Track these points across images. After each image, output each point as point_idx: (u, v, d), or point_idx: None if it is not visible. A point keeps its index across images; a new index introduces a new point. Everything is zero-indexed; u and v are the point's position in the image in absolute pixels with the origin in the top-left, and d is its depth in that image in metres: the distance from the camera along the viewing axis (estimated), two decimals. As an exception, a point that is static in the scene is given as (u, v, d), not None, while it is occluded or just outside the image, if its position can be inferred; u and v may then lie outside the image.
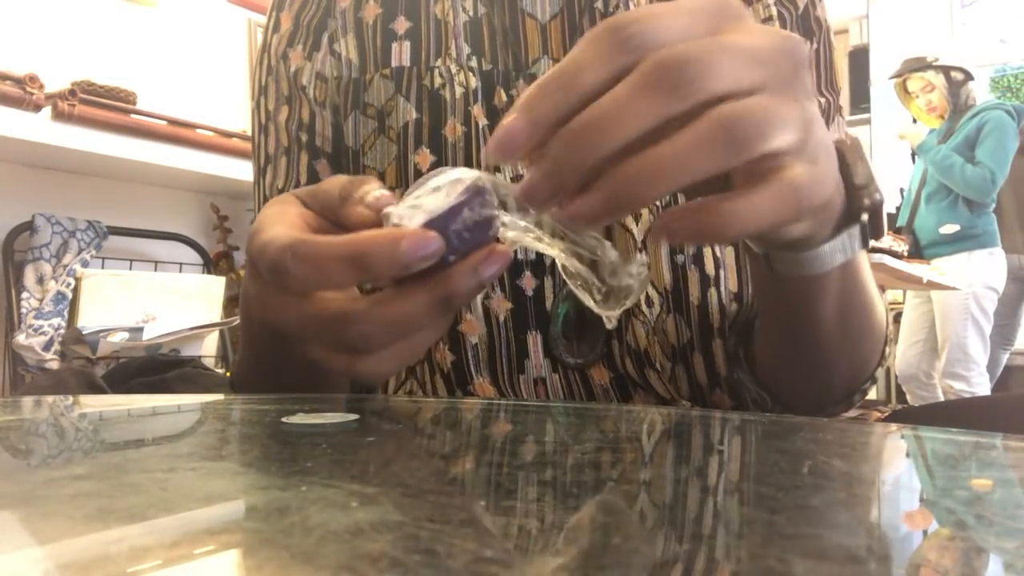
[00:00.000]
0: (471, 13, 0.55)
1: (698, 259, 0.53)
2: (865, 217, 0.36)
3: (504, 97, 0.53)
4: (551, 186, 0.27)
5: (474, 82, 0.53)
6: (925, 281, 2.67)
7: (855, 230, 0.37)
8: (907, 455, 0.32)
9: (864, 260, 0.44)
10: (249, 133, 0.66)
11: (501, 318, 0.52)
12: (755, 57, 0.26)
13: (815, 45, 0.57)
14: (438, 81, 0.54)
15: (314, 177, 0.57)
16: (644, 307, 0.51)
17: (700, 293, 0.52)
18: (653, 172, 0.26)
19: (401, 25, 0.56)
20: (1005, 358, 3.34)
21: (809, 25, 0.56)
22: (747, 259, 0.52)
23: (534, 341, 0.52)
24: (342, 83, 0.56)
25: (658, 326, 0.52)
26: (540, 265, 0.52)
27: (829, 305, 0.42)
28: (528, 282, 0.52)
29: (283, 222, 0.33)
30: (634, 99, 0.25)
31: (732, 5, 0.28)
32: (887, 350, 0.51)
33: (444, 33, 0.55)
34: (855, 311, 0.44)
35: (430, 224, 0.29)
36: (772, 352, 0.51)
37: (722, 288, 0.53)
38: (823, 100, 0.56)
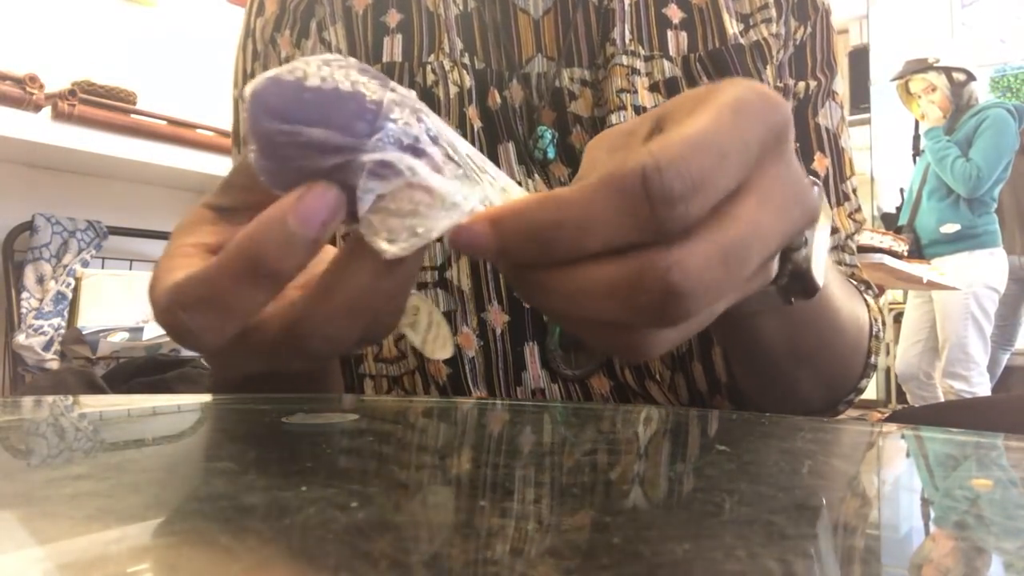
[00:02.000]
0: (462, 7, 0.54)
1: None
2: (784, 280, 0.33)
3: (498, 99, 0.53)
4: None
5: (468, 81, 0.52)
6: (925, 281, 2.67)
7: (771, 289, 0.34)
8: (907, 455, 0.32)
9: (831, 289, 0.42)
10: (230, 126, 0.63)
11: (498, 331, 0.51)
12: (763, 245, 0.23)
13: (810, 29, 0.56)
14: (431, 78, 0.53)
15: None
16: None
17: None
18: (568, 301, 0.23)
19: (392, 18, 0.55)
20: (1006, 358, 3.34)
21: (805, 10, 0.56)
22: None
23: (531, 353, 0.51)
24: None
25: None
26: None
27: (769, 338, 0.41)
28: None
29: (172, 266, 0.27)
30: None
31: (779, 129, 0.24)
32: (873, 360, 0.51)
33: (437, 26, 0.54)
34: (810, 339, 0.44)
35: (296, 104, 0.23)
36: (739, 375, 0.50)
37: None
38: (813, 83, 0.56)
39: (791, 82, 0.55)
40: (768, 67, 0.54)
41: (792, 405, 0.49)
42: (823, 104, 0.56)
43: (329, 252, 0.30)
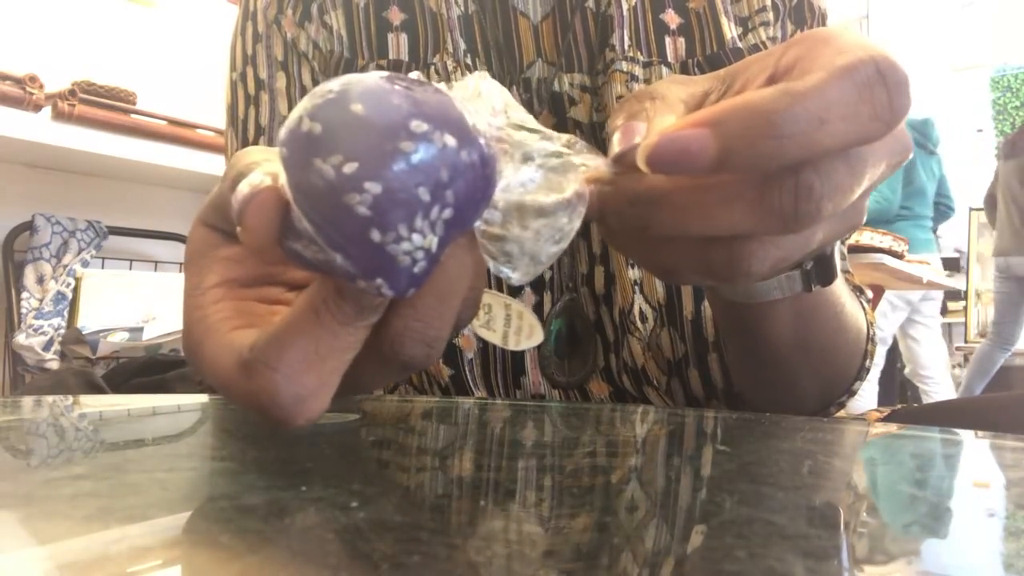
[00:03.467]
0: (463, 8, 0.54)
1: None
2: (810, 264, 0.34)
3: None
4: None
5: None
6: (925, 281, 2.67)
7: (795, 274, 0.35)
8: (907, 455, 0.32)
9: (838, 284, 0.43)
10: (225, 110, 0.62)
11: None
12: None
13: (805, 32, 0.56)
14: (435, 79, 0.53)
15: None
16: (639, 322, 0.51)
17: (694, 307, 0.52)
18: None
19: (395, 15, 0.54)
20: (1003, 359, 3.35)
21: (803, 13, 0.56)
22: None
23: (531, 357, 0.51)
24: (333, 58, 0.55)
25: (652, 341, 0.51)
26: (539, 281, 0.51)
27: (779, 329, 0.41)
28: (528, 298, 0.51)
29: (206, 318, 0.26)
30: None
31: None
32: (868, 362, 0.51)
33: (440, 26, 0.54)
34: (816, 333, 0.44)
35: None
36: (735, 365, 0.50)
37: None
38: None
39: None
40: None
41: (788, 404, 0.49)
42: None
43: None
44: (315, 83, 0.56)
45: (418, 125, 0.18)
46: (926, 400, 3.17)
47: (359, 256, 0.18)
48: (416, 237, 0.18)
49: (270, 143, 0.56)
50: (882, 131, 0.21)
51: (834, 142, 0.21)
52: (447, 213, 0.19)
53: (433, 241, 0.19)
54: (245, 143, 0.58)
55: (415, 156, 0.18)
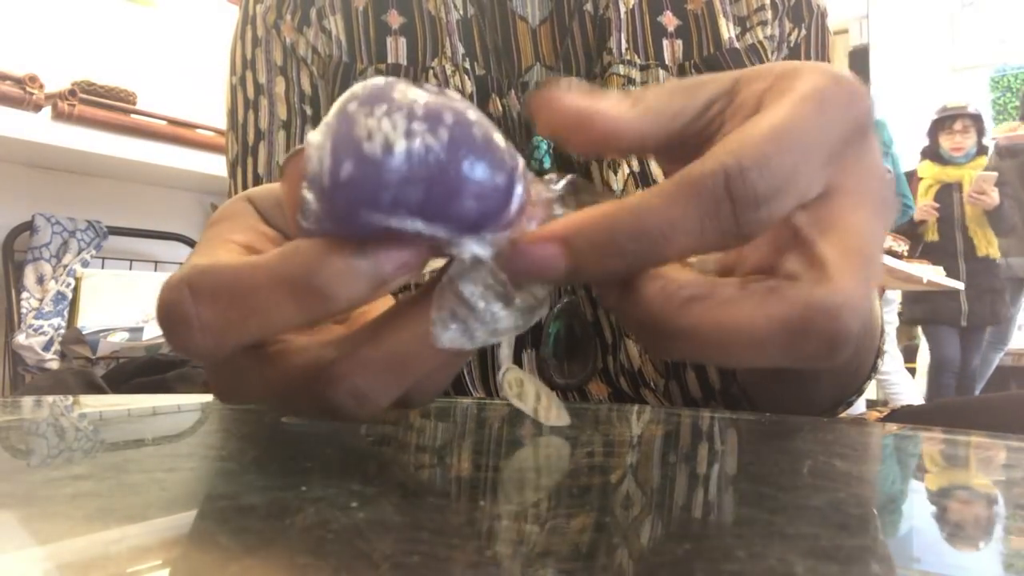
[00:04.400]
0: (462, 12, 0.54)
1: None
2: None
3: (499, 106, 0.52)
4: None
5: (469, 86, 0.52)
6: (926, 281, 2.67)
7: None
8: (907, 455, 0.32)
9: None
10: (225, 114, 0.62)
11: None
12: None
13: (804, 31, 0.56)
14: (433, 83, 0.53)
15: None
16: None
17: None
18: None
19: (394, 19, 0.54)
20: (997, 359, 3.37)
21: (800, 12, 0.56)
22: None
23: (529, 360, 0.51)
24: (332, 63, 0.55)
25: None
26: None
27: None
28: None
29: (201, 252, 0.25)
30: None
31: (862, 120, 0.22)
32: (878, 363, 0.51)
33: (439, 30, 0.54)
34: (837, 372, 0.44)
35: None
36: (750, 371, 0.50)
37: None
38: None
39: None
40: None
41: (801, 405, 0.49)
42: None
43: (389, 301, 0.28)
44: (314, 88, 0.56)
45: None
46: (894, 401, 3.23)
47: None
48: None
49: (269, 147, 0.57)
50: (732, 243, 0.20)
51: (679, 254, 0.20)
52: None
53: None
54: (245, 147, 0.58)
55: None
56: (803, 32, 0.56)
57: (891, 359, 3.31)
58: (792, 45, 0.56)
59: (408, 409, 0.25)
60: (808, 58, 0.56)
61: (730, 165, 0.20)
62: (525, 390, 0.29)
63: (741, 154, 0.20)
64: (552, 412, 0.29)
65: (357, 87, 0.20)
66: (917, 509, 0.22)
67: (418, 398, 0.24)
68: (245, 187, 0.57)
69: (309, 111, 0.56)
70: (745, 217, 0.20)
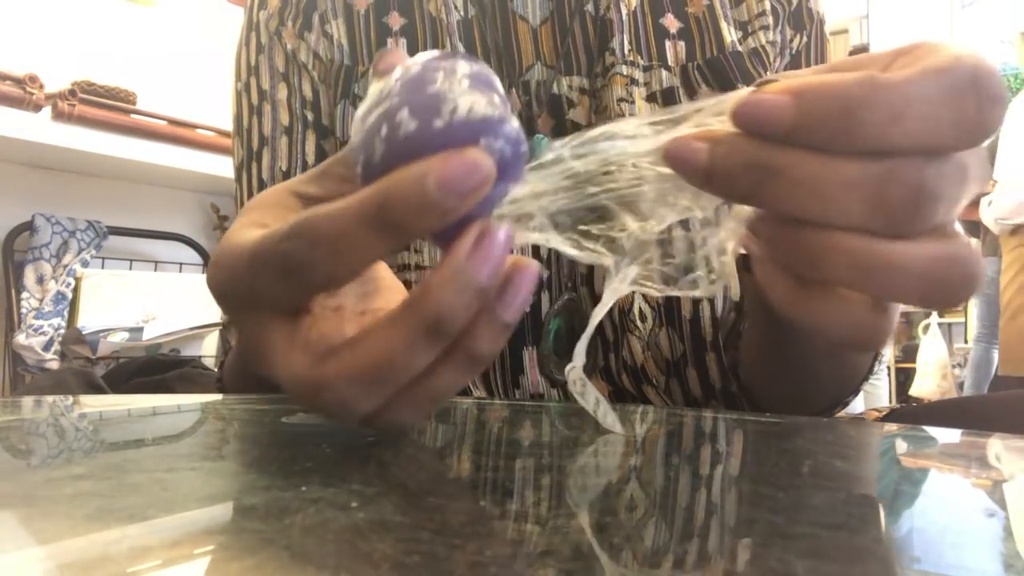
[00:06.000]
0: (463, 12, 0.55)
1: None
2: None
3: None
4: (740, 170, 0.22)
5: None
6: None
7: None
8: (907, 455, 0.32)
9: None
10: (231, 119, 0.63)
11: None
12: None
13: (805, 38, 0.57)
14: None
15: (324, 158, 0.53)
16: (639, 321, 0.51)
17: (692, 307, 0.52)
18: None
19: (395, 21, 0.55)
20: (997, 357, 3.36)
21: (801, 19, 0.57)
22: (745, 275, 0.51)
23: (530, 358, 0.51)
24: (334, 67, 0.55)
25: (651, 341, 0.51)
26: (537, 281, 0.51)
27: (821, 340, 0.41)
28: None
29: (249, 223, 0.27)
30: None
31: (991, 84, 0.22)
32: (876, 365, 0.51)
33: (439, 31, 0.54)
34: (842, 362, 0.44)
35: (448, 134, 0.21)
36: (759, 363, 0.50)
37: (716, 300, 0.53)
38: None
39: None
40: (767, 73, 0.54)
41: (801, 404, 0.50)
42: None
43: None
44: (315, 93, 0.56)
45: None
46: (867, 398, 3.29)
47: None
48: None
49: (272, 152, 0.57)
50: (962, 141, 0.21)
51: (907, 140, 0.21)
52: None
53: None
54: (250, 152, 0.59)
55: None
56: (804, 39, 0.57)
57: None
58: (793, 52, 0.56)
59: (403, 426, 0.26)
60: (808, 65, 0.57)
61: (978, 64, 0.21)
62: (587, 390, 0.29)
63: (982, 60, 0.21)
64: (608, 417, 0.30)
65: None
66: (917, 509, 0.22)
67: (408, 415, 0.25)
68: (251, 192, 0.58)
69: (311, 116, 0.56)
70: (986, 115, 0.20)
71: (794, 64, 0.56)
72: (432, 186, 0.21)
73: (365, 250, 0.22)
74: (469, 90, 0.22)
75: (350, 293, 0.27)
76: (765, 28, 0.55)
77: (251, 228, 0.26)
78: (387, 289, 0.29)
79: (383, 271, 0.30)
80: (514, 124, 0.23)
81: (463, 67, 0.23)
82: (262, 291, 0.24)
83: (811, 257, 0.23)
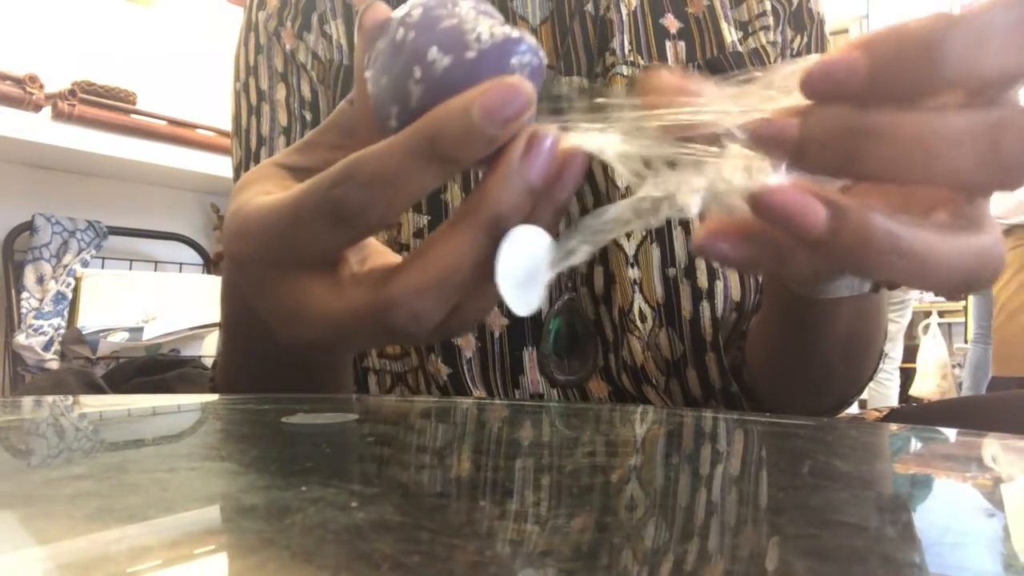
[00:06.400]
0: None
1: (690, 272, 0.52)
2: None
3: None
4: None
5: None
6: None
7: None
8: (907, 455, 0.32)
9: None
10: (231, 120, 0.63)
11: (496, 334, 0.51)
12: None
13: (806, 38, 0.57)
14: None
15: None
16: (638, 321, 0.51)
17: (692, 307, 0.52)
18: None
19: None
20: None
21: (801, 19, 0.57)
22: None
23: (530, 358, 0.51)
24: (333, 67, 0.55)
25: (651, 341, 0.51)
26: None
27: (835, 327, 0.41)
28: None
29: (254, 194, 0.27)
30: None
31: None
32: (880, 364, 0.51)
33: None
34: (863, 332, 0.44)
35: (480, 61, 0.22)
36: (769, 358, 0.50)
37: (716, 301, 0.52)
38: None
39: None
40: None
41: (807, 403, 0.50)
42: None
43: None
44: (313, 93, 0.56)
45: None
46: (877, 398, 3.33)
47: None
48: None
49: (271, 152, 0.57)
50: None
51: (994, 68, 0.20)
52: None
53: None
54: (248, 152, 0.59)
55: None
56: (804, 40, 0.57)
57: (889, 360, 3.41)
58: (794, 52, 0.56)
59: (471, 326, 0.26)
60: None
61: None
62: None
63: None
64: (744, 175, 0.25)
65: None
66: (917, 509, 0.22)
67: (475, 314, 0.25)
68: None
69: (309, 117, 0.56)
70: None
71: None
72: (477, 115, 0.21)
73: (419, 183, 0.23)
74: (481, 16, 0.23)
75: (351, 259, 0.27)
76: (766, 28, 0.55)
77: (263, 196, 0.26)
78: (380, 253, 0.29)
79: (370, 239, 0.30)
80: (529, 38, 0.23)
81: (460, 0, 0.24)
82: (307, 243, 0.24)
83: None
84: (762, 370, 0.51)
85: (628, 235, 0.51)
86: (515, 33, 0.23)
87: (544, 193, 0.23)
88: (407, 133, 0.22)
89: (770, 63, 0.55)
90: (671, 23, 0.54)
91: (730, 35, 0.54)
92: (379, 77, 0.24)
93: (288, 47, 0.57)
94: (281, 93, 0.57)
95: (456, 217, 0.23)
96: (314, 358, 0.42)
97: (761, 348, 0.51)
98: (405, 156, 0.22)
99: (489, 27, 0.23)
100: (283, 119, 0.57)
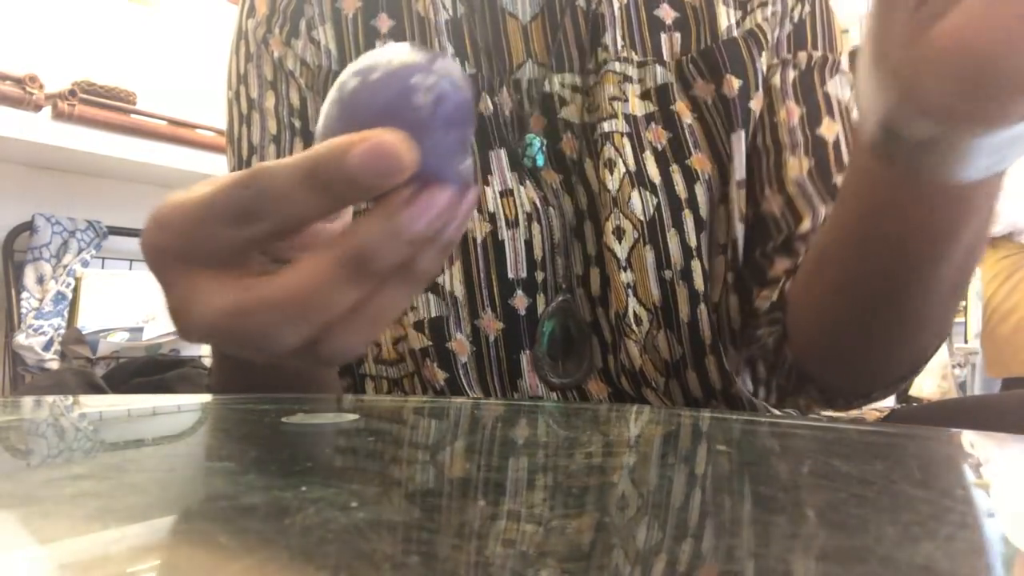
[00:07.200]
0: (452, 12, 0.54)
1: (686, 275, 0.51)
2: None
3: (490, 104, 0.52)
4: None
5: None
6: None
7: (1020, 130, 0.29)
8: (907, 455, 0.32)
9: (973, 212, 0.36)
10: (225, 127, 0.64)
11: (491, 338, 0.51)
12: None
13: (808, 7, 0.55)
14: None
15: None
16: (634, 325, 0.50)
17: (690, 309, 0.51)
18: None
19: (384, 23, 0.54)
20: None
21: None
22: (850, 164, 0.42)
23: (528, 361, 0.51)
24: (321, 73, 0.55)
25: (649, 343, 0.51)
26: (532, 283, 0.51)
27: (962, 237, 0.36)
28: (520, 301, 0.51)
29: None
30: None
31: None
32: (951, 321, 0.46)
33: (428, 32, 0.54)
34: (973, 257, 0.39)
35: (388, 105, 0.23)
36: (846, 309, 0.45)
37: (716, 301, 0.52)
38: (818, 54, 0.54)
39: (788, 56, 0.54)
40: (763, 53, 0.53)
41: (874, 371, 0.46)
42: (832, 76, 0.54)
43: None
44: (302, 101, 0.56)
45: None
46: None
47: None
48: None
49: (261, 161, 0.57)
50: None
51: None
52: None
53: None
54: (240, 160, 0.59)
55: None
56: (807, 8, 0.55)
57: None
58: (796, 21, 0.55)
59: (346, 354, 0.26)
60: (815, 35, 0.55)
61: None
62: None
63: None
64: None
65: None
66: (917, 509, 0.22)
67: (346, 344, 0.25)
68: None
69: (298, 124, 0.56)
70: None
71: (798, 35, 0.54)
72: (353, 162, 0.22)
73: (303, 207, 0.23)
74: (411, 53, 0.24)
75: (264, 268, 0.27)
76: (764, 3, 0.54)
77: (196, 190, 0.27)
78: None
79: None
80: (449, 64, 0.24)
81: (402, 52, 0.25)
82: (207, 239, 0.25)
83: None
84: (825, 334, 0.47)
85: (620, 238, 0.50)
86: (427, 58, 0.24)
87: (427, 240, 0.24)
88: (298, 156, 0.23)
89: (765, 41, 0.53)
90: (667, 13, 0.54)
91: (727, 19, 0.53)
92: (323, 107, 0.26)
93: (276, 55, 0.57)
94: (270, 101, 0.57)
95: (326, 245, 0.24)
96: (300, 377, 0.42)
97: (833, 305, 0.46)
98: (295, 175, 0.23)
99: (404, 56, 0.24)
100: (273, 127, 0.57)
